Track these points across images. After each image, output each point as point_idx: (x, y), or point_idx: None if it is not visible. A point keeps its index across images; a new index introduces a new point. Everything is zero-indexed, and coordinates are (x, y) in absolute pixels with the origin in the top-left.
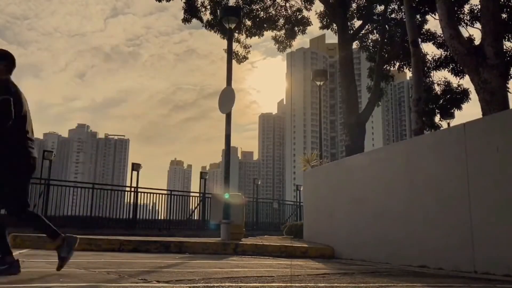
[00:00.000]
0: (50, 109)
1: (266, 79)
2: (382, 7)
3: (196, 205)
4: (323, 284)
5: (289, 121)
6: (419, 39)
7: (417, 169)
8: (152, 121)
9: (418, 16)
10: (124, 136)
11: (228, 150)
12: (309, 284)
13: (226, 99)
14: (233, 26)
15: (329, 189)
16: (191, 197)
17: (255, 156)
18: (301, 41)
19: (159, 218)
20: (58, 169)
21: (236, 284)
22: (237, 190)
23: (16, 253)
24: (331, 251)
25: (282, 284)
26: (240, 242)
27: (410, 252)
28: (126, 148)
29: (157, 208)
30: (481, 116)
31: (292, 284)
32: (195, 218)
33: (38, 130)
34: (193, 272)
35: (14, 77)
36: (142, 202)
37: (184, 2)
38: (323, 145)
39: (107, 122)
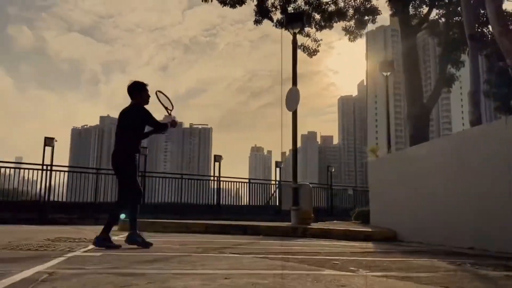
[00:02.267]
0: None
1: (344, 59)
2: None
3: (272, 192)
4: (352, 258)
5: (370, 103)
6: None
7: (467, 160)
8: (231, 109)
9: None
10: (207, 125)
11: (295, 145)
12: (342, 258)
13: (292, 98)
14: (297, 30)
15: (391, 177)
16: (271, 185)
17: (335, 140)
18: (381, 18)
19: (241, 204)
20: (148, 159)
21: (286, 256)
22: (317, 176)
23: (125, 234)
24: (393, 235)
25: (322, 257)
26: (308, 227)
27: (461, 235)
28: (209, 136)
29: (240, 194)
30: None
31: (331, 257)
32: (272, 204)
33: None
34: (259, 248)
35: (105, 75)
36: (225, 188)
37: (255, 5)
38: (395, 136)
39: (189, 112)
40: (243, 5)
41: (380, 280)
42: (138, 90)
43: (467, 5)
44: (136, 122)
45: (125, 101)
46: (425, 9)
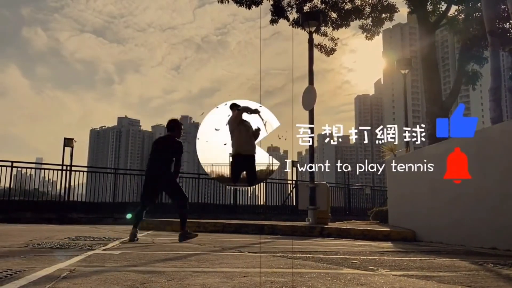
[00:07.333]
0: (152, 102)
1: (359, 57)
2: None
3: (289, 192)
4: (371, 257)
5: (388, 101)
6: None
7: (487, 158)
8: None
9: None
10: None
11: (312, 146)
12: (361, 257)
13: (309, 97)
14: (313, 29)
15: (409, 177)
16: (288, 184)
17: (352, 140)
18: (398, 15)
19: (257, 203)
20: None
21: (305, 255)
22: (334, 176)
23: (144, 233)
24: (412, 235)
25: (341, 256)
26: (326, 226)
27: (482, 235)
28: None
29: (256, 194)
30: None
31: (350, 256)
32: (289, 203)
33: (146, 123)
34: (276, 247)
35: (119, 75)
36: (242, 188)
37: (271, 5)
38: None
39: (204, 111)
40: (259, 5)
41: (400, 279)
42: (178, 127)
43: (487, 0)
44: (178, 153)
45: (140, 101)
46: (443, 6)
